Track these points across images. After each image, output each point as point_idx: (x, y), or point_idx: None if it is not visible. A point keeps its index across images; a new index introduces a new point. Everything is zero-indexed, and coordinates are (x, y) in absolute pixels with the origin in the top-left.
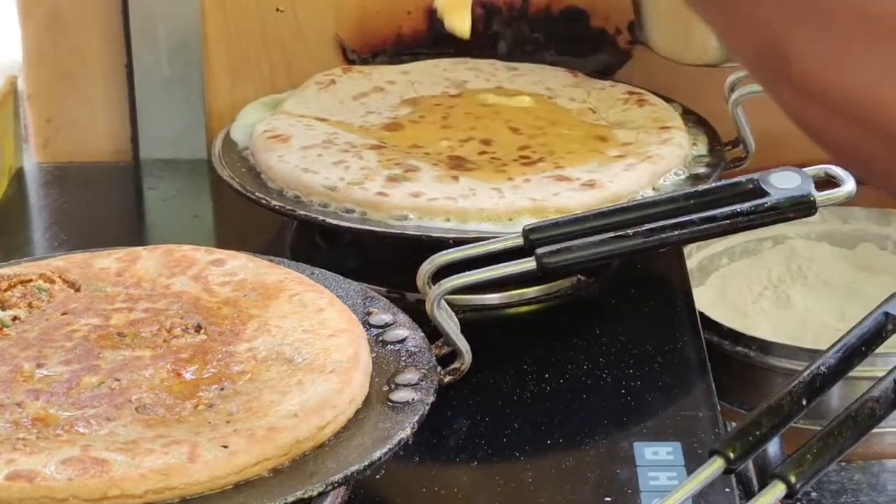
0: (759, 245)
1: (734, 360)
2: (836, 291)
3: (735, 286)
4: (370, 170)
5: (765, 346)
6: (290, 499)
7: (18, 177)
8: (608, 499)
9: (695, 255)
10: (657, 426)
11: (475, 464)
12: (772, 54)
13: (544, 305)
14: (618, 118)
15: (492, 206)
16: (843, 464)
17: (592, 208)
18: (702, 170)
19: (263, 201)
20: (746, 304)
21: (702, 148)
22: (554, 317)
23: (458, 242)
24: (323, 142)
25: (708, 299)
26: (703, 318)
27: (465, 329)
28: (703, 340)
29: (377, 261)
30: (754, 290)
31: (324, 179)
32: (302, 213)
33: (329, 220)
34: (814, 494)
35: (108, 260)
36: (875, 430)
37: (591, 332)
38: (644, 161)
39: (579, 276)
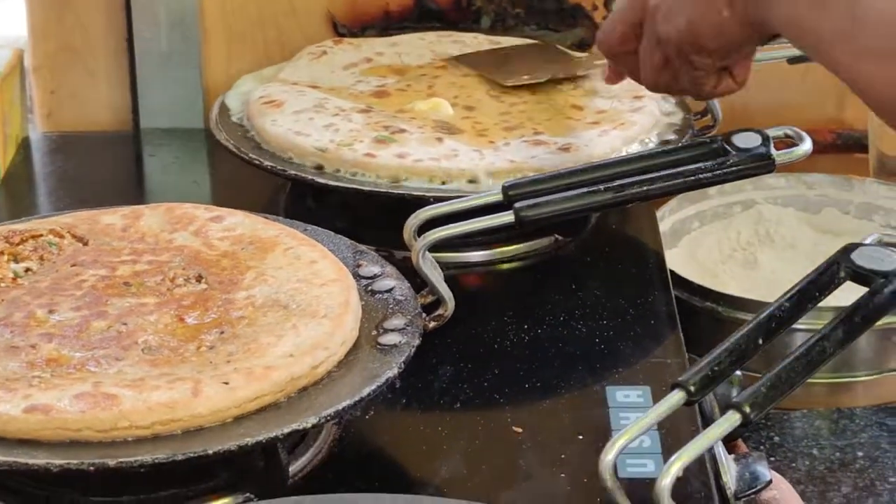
0: (728, 209)
1: (703, 315)
2: (800, 254)
3: (705, 248)
4: (358, 132)
5: (732, 301)
6: (287, 430)
7: (25, 145)
8: (580, 437)
9: (667, 219)
10: (628, 372)
11: (458, 406)
12: None
13: (524, 263)
14: (593, 88)
15: (473, 167)
16: (805, 411)
17: None
18: (671, 136)
19: (256, 161)
20: (716, 264)
21: (672, 117)
22: (533, 273)
23: (440, 200)
24: (314, 106)
25: (679, 260)
26: (674, 276)
27: (451, 284)
28: (673, 295)
29: (366, 220)
30: (724, 251)
31: (315, 141)
32: (293, 172)
33: (318, 178)
34: (777, 439)
35: (113, 217)
36: (840, 381)
37: (568, 288)
38: (617, 127)
39: (557, 236)
